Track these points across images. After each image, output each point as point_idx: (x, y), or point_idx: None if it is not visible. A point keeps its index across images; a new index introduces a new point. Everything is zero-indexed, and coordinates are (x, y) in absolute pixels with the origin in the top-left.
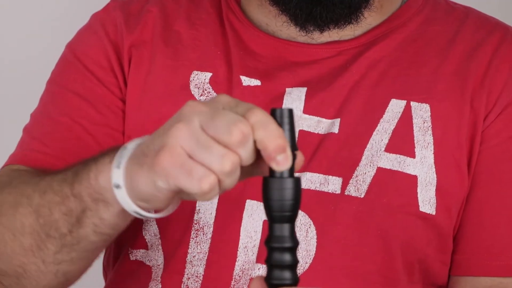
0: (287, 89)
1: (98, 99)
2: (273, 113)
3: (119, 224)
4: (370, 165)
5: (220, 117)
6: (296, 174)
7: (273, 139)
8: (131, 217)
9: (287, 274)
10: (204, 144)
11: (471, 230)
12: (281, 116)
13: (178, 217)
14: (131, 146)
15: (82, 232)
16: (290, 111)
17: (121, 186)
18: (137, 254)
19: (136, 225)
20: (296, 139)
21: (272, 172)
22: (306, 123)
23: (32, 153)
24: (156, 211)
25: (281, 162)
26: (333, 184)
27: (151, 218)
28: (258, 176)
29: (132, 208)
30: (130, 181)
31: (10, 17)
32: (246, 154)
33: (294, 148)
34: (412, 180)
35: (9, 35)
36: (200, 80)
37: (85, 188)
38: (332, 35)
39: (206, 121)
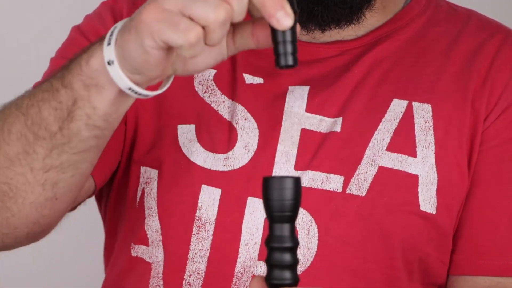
0: (289, 87)
1: None
2: None
3: (112, 116)
4: (371, 164)
5: None
6: (298, 173)
7: None
8: (124, 106)
9: (287, 274)
10: None
11: (470, 229)
12: None
13: (180, 214)
14: (120, 23)
15: (73, 127)
16: None
17: (113, 61)
18: (138, 250)
19: (138, 220)
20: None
21: (274, 35)
22: (309, 121)
23: None
24: (151, 90)
25: (281, 19)
26: (334, 182)
27: (146, 96)
28: (261, 175)
29: (127, 84)
30: (121, 53)
31: (16, 18)
32: (239, 8)
33: (294, 9)
34: (413, 179)
35: (14, 36)
36: (204, 76)
37: (76, 75)
38: (335, 35)
39: None
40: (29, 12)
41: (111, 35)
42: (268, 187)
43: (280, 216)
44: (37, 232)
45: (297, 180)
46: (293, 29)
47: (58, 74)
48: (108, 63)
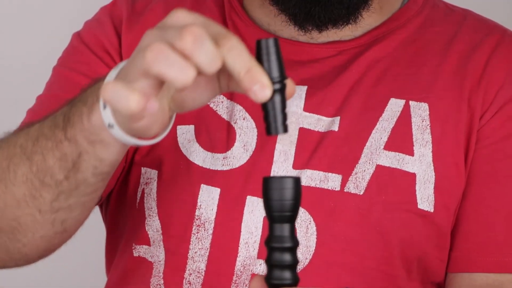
0: None
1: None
2: (258, 45)
3: (118, 160)
4: (369, 163)
5: (172, 27)
6: (296, 172)
7: (246, 70)
8: (128, 148)
9: (287, 274)
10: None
11: (467, 227)
12: (266, 47)
13: (180, 213)
14: (110, 78)
15: (79, 176)
16: (275, 40)
17: (113, 124)
18: (140, 250)
19: (139, 220)
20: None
21: (263, 103)
22: (307, 120)
23: None
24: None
25: (258, 92)
26: (333, 181)
27: (153, 143)
28: (259, 174)
29: (131, 142)
30: (117, 117)
31: (16, 22)
32: (205, 58)
33: (282, 77)
34: (410, 178)
35: (14, 40)
36: None
37: (80, 131)
38: (333, 35)
39: (174, 38)
40: (29, 16)
41: None
42: (268, 187)
43: (280, 216)
44: (48, 255)
45: (297, 180)
46: (282, 97)
47: (59, 121)
48: (109, 125)
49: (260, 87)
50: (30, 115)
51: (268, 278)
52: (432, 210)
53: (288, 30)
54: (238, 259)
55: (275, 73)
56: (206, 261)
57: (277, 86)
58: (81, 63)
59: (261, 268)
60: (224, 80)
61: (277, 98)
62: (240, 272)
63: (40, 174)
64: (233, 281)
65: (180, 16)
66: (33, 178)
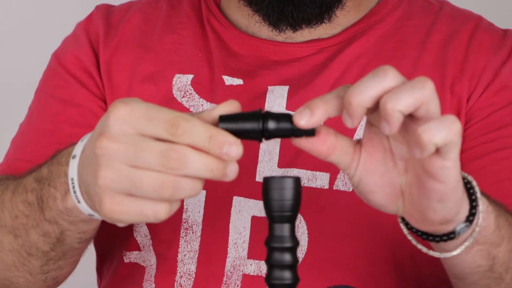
0: (269, 87)
1: (80, 102)
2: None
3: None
4: None
5: (145, 151)
6: (282, 171)
7: (208, 141)
8: None
9: (287, 274)
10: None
11: None
12: (227, 122)
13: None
14: (73, 174)
15: (65, 247)
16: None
17: (93, 214)
18: (131, 256)
19: (127, 228)
20: None
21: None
22: None
23: (15, 162)
24: None
25: (230, 154)
26: (321, 179)
27: None
28: (244, 174)
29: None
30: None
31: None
32: (195, 171)
33: (259, 116)
34: None
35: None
36: (182, 82)
37: (58, 214)
38: (312, 33)
39: (131, 158)
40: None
41: (73, 188)
42: (268, 187)
43: (280, 216)
44: None
45: (297, 180)
46: (277, 120)
47: (33, 200)
48: (90, 215)
49: (229, 147)
50: (12, 146)
51: (268, 278)
52: None
53: (265, 31)
54: (227, 259)
55: (256, 125)
56: (196, 263)
57: (272, 125)
58: (60, 88)
59: (251, 268)
60: None
61: (284, 125)
62: (230, 272)
63: (25, 247)
64: (224, 281)
65: (119, 117)
66: (19, 249)
